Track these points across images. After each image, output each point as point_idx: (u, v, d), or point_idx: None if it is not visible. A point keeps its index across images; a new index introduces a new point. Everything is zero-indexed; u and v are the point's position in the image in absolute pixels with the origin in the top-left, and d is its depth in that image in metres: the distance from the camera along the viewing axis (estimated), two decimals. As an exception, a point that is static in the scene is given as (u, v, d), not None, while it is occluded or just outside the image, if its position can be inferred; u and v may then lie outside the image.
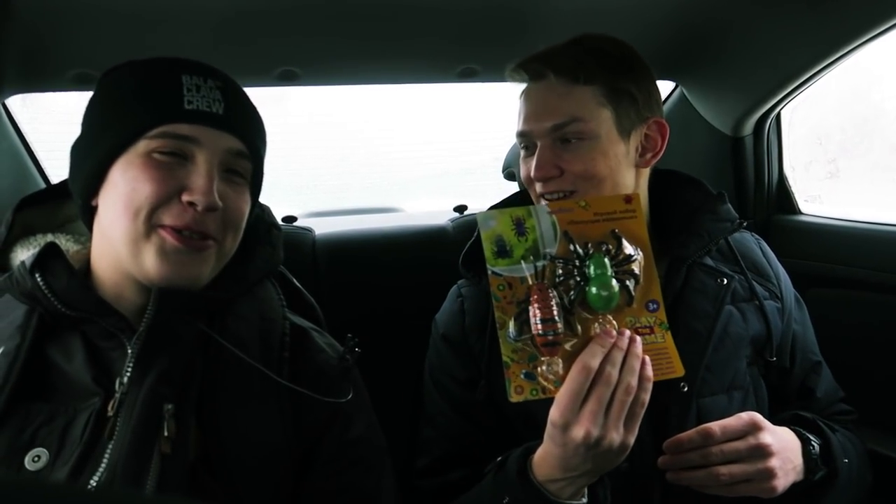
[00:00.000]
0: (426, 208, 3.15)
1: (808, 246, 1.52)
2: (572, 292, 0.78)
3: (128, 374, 0.76)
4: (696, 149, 1.64)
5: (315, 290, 1.09)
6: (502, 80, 1.59)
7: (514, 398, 0.76)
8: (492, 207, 1.09)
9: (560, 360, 0.76)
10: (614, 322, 0.79)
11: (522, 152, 1.04)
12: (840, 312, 1.42)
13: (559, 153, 0.97)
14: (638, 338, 0.77)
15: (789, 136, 1.62)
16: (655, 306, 0.80)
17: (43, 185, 1.54)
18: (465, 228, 1.56)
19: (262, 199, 0.99)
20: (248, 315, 0.88)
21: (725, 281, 1.02)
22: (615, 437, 0.74)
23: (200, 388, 0.80)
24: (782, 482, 0.87)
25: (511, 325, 0.77)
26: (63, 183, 0.92)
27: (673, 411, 0.95)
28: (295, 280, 1.03)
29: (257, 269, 0.91)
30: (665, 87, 1.66)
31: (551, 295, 0.77)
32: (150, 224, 0.78)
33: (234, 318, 0.86)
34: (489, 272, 0.78)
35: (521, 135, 1.02)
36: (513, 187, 1.52)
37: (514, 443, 0.91)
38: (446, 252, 1.25)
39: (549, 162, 0.97)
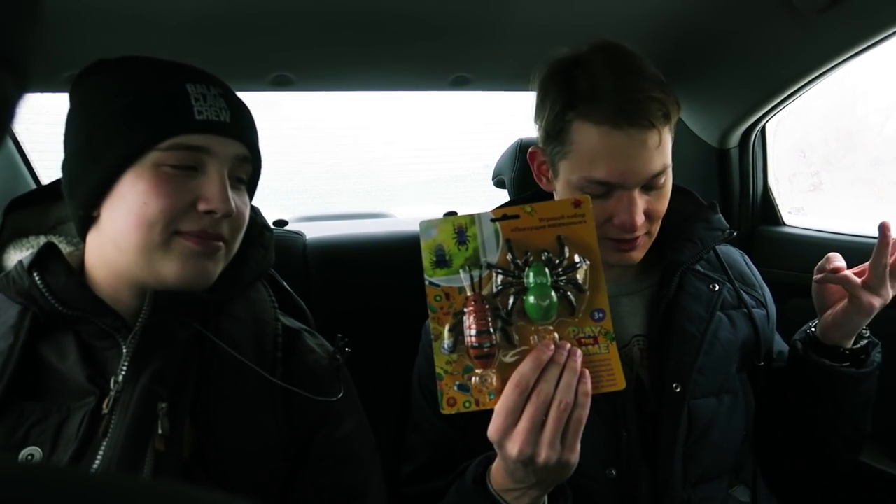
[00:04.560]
0: (416, 214, 3.16)
1: (791, 257, 1.54)
2: (510, 302, 0.75)
3: (122, 372, 0.77)
4: (682, 160, 1.66)
5: (305, 294, 1.10)
6: (494, 88, 1.63)
7: (446, 410, 0.73)
8: (501, 206, 1.06)
9: (494, 373, 0.74)
10: (555, 334, 0.75)
11: (587, 192, 0.93)
12: (822, 322, 1.44)
13: (645, 198, 0.94)
14: (578, 351, 0.73)
15: (774, 149, 1.64)
16: (601, 315, 0.76)
17: (34, 186, 1.54)
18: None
19: (254, 202, 1.00)
20: (241, 316, 0.89)
21: (717, 287, 1.05)
22: (551, 455, 0.71)
23: (195, 387, 0.81)
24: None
25: (445, 336, 0.74)
26: (54, 184, 0.91)
27: (665, 412, 0.96)
28: (285, 283, 1.04)
29: (251, 271, 0.92)
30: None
31: (487, 306, 0.74)
32: (169, 233, 0.78)
33: (228, 319, 0.87)
34: (426, 282, 0.76)
35: (606, 184, 0.92)
36: (503, 195, 1.54)
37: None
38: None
39: (641, 209, 0.94)
